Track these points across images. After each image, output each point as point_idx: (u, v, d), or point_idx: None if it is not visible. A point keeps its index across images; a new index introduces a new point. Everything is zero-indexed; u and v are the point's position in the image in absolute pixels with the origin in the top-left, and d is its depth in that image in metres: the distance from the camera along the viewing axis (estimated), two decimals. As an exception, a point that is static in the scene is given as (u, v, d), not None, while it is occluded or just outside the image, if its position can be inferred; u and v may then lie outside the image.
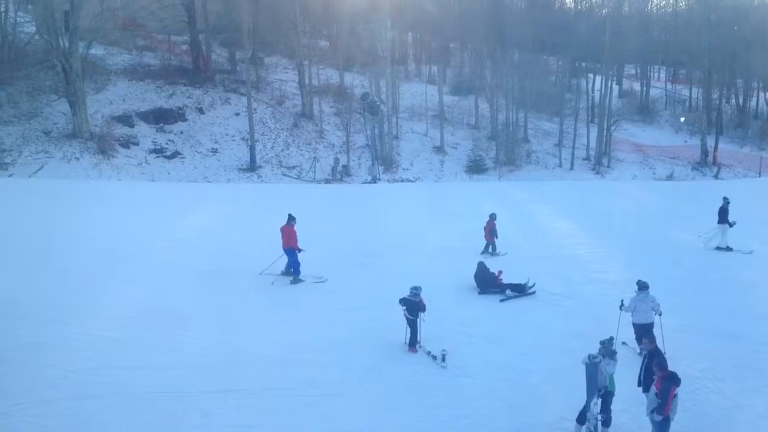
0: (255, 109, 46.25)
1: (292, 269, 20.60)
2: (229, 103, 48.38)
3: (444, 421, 12.94)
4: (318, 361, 15.24)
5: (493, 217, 24.44)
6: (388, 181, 43.84)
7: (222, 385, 14.00)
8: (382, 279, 20.77)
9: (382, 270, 21.95)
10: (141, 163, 40.94)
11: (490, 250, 24.43)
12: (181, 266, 21.96)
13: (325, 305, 18.77)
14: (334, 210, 32.46)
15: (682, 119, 58.72)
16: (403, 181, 44.28)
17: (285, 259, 20.74)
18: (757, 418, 13.08)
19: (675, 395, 11.37)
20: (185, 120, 45.98)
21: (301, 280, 20.43)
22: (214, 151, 44.14)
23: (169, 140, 43.88)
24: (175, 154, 42.84)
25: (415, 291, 15.99)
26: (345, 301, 19.12)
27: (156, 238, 25.49)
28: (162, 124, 44.71)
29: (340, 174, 43.69)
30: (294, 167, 44.28)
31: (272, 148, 45.67)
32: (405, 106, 54.49)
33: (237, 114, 47.28)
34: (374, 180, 43.09)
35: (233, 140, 45.22)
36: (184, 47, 53.85)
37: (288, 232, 20.40)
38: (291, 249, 20.39)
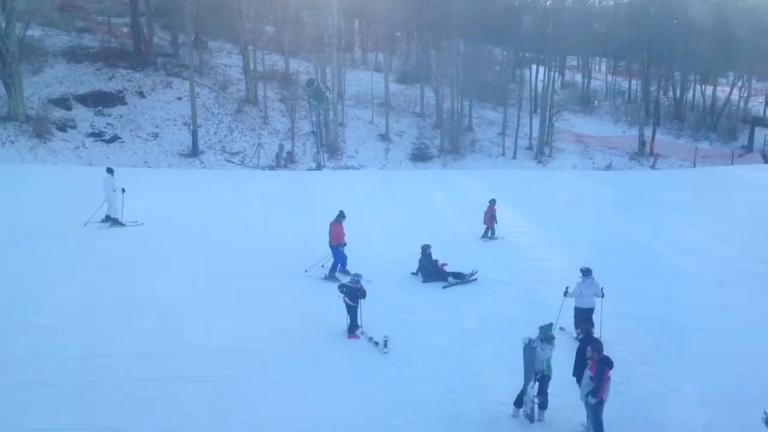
0: (198, 94, 45.55)
1: (339, 265, 20.10)
2: (171, 87, 47.54)
3: (385, 406, 13.07)
4: (259, 349, 15.22)
5: (492, 202, 25.05)
6: (333, 168, 43.73)
7: (160, 373, 13.89)
8: (327, 265, 20.78)
9: (327, 257, 21.94)
10: (78, 147, 40.01)
11: (489, 234, 25.09)
12: (119, 253, 21.60)
13: (267, 292, 18.70)
14: (278, 197, 32.29)
15: (596, 102, 60.03)
16: (348, 168, 44.23)
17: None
18: (688, 401, 13.55)
19: (608, 378, 11.72)
20: (125, 104, 44.98)
21: (336, 278, 19.45)
22: (155, 135, 43.38)
23: (108, 124, 42.94)
24: (114, 138, 41.96)
25: (356, 278, 16.11)
26: (286, 289, 19.10)
27: (93, 224, 24.98)
28: (101, 108, 43.66)
29: (285, 161, 43.42)
30: (237, 153, 43.81)
31: (215, 133, 45.10)
32: (351, 94, 54.36)
33: (179, 98, 46.50)
34: (319, 167, 42.96)
35: (175, 125, 44.50)
36: (125, 30, 52.62)
37: (336, 229, 20.10)
38: (337, 246, 20.04)
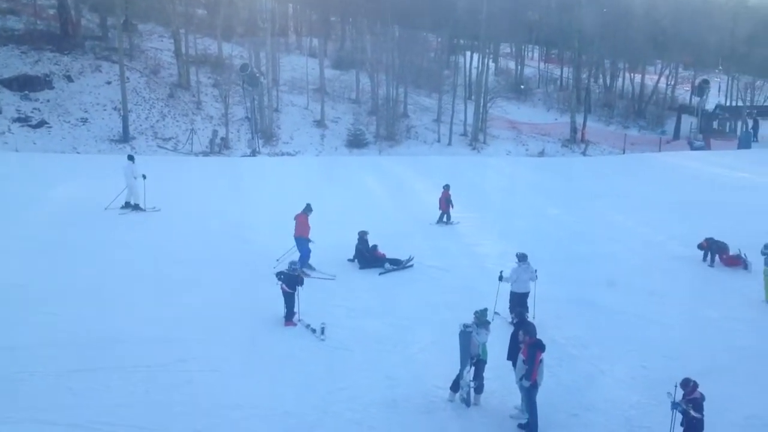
0: (128, 78, 44.47)
1: (301, 259, 19.46)
2: (100, 71, 46.27)
3: (322, 393, 13.08)
4: (194, 338, 15.04)
5: (446, 187, 25.55)
6: (268, 154, 43.32)
7: (92, 364, 13.62)
8: (261, 253, 20.63)
9: (260, 244, 21.79)
10: (4, 133, 38.70)
11: (444, 219, 25.53)
12: (50, 241, 21.06)
13: (202, 281, 18.50)
14: (212, 183, 31.86)
15: (521, 87, 61.00)
16: (283, 154, 43.87)
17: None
18: (617, 381, 13.94)
19: (541, 361, 11.96)
20: (52, 88, 43.65)
21: (306, 272, 18.77)
22: (84, 120, 42.22)
23: (35, 109, 41.62)
24: (42, 124, 40.70)
25: (293, 265, 16.05)
26: (222, 276, 18.91)
27: (19, 211, 24.27)
28: (27, 92, 42.26)
29: (219, 147, 42.83)
30: (170, 139, 43.01)
31: (147, 118, 44.15)
32: (285, 79, 53.87)
33: (108, 82, 45.31)
34: (254, 153, 42.51)
35: (105, 110, 43.39)
36: (51, 11, 50.97)
37: (302, 221, 19.74)
38: (302, 238, 19.63)
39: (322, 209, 26.82)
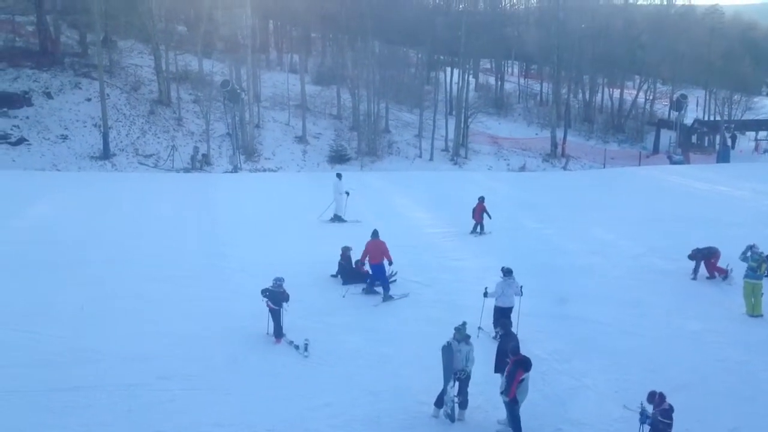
0: (108, 95, 44.32)
1: (372, 281, 19.45)
2: (80, 88, 46.10)
3: (304, 410, 12.98)
4: (176, 355, 14.91)
5: (481, 199, 26.36)
6: (250, 170, 43.26)
7: (72, 383, 13.46)
8: (243, 270, 20.54)
9: (243, 260, 21.69)
10: (-18, 151, 38.45)
11: (478, 229, 26.24)
12: (29, 260, 20.85)
13: (183, 298, 18.35)
14: (194, 200, 31.69)
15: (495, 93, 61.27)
16: (265, 170, 43.82)
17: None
18: (600, 395, 13.94)
19: (523, 380, 11.93)
20: (31, 105, 43.44)
21: (391, 297, 18.94)
22: (64, 137, 41.99)
23: (14, 126, 41.36)
24: (21, 141, 40.45)
25: (278, 282, 15.95)
26: (205, 293, 18.78)
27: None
28: (6, 109, 42.04)
29: (200, 163, 42.71)
30: (151, 156, 42.84)
31: (127, 135, 43.97)
32: (266, 95, 53.89)
33: (89, 99, 45.13)
34: (235, 169, 42.42)
35: (85, 127, 43.18)
36: (30, 28, 50.73)
37: (381, 246, 19.34)
38: (381, 264, 19.20)
39: (305, 224, 26.87)
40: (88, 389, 13.28)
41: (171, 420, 12.46)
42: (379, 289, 19.21)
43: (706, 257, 21.09)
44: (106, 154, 41.27)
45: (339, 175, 28.15)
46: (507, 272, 16.46)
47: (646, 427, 11.13)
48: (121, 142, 43.13)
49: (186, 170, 41.44)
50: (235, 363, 14.77)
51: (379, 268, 19.19)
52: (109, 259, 21.39)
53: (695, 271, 21.13)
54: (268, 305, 15.83)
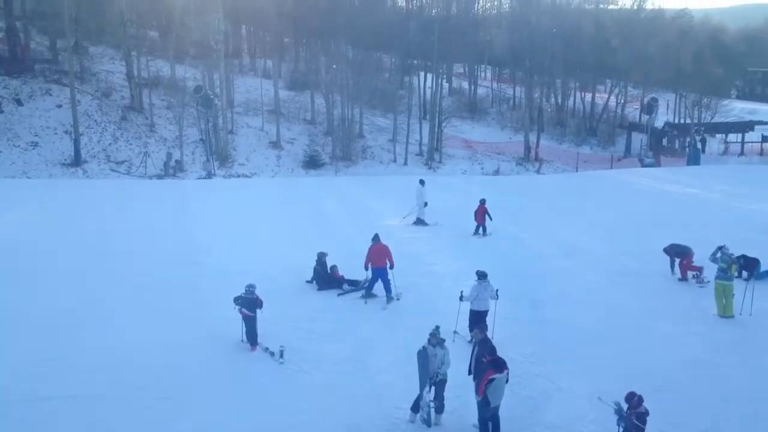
0: (79, 101, 43.87)
1: (373, 285, 19.47)
2: (51, 95, 45.58)
3: (281, 417, 12.93)
4: (149, 364, 14.75)
5: (482, 201, 27.02)
6: (224, 176, 43.03)
7: (44, 393, 13.29)
8: (217, 276, 20.40)
9: (217, 267, 21.55)
10: (-49, 158, 37.88)
11: (480, 231, 26.81)
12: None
13: (157, 306, 18.20)
14: (167, 206, 31.43)
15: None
16: (239, 176, 43.63)
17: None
18: (575, 398, 14.02)
19: (492, 379, 11.92)
20: (1, 112, 42.88)
21: (393, 299, 19.21)
22: (35, 145, 41.50)
23: (-17, 133, 40.82)
24: (-10, 148, 39.93)
25: (250, 288, 15.85)
26: (179, 301, 18.62)
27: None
28: (-25, 116, 41.51)
29: (173, 169, 42.40)
30: (123, 162, 42.47)
31: (99, 142, 43.55)
32: (240, 101, 53.69)
33: (59, 106, 44.63)
34: (209, 175, 42.16)
35: (55, 133, 42.70)
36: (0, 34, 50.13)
37: (385, 250, 19.38)
38: (384, 268, 19.19)
39: (279, 230, 26.77)
40: (59, 400, 13.12)
41: (143, 430, 12.33)
42: (381, 293, 19.24)
43: (679, 255, 21.32)
44: (77, 161, 40.84)
45: (422, 182, 29.37)
46: (482, 276, 16.51)
47: (621, 427, 11.21)
48: (93, 148, 42.71)
49: (159, 177, 41.11)
50: (210, 371, 14.66)
51: (382, 272, 19.16)
52: (80, 267, 21.18)
53: (672, 266, 21.39)
54: (242, 312, 15.74)
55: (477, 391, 12.01)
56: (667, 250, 21.63)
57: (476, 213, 27.00)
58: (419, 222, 28.68)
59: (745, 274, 20.48)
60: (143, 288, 19.48)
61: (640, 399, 11.24)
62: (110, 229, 25.31)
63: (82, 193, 34.29)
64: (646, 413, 11.13)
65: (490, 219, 27.05)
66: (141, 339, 15.98)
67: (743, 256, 20.57)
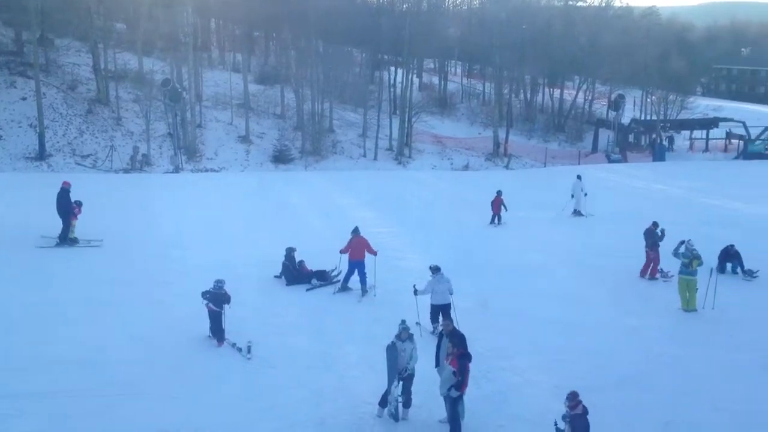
0: (44, 94, 43.20)
1: (361, 281, 19.54)
2: (15, 87, 44.83)
3: (249, 412, 12.88)
4: (117, 360, 14.62)
5: (499, 193, 28.47)
6: (192, 170, 42.71)
7: (9, 390, 13.10)
8: (186, 272, 20.26)
9: (185, 263, 21.39)
10: None
11: (496, 221, 28.40)
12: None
13: (126, 301, 18.05)
14: (134, 201, 31.11)
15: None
16: (207, 170, 43.32)
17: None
18: (543, 391, 14.14)
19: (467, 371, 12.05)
20: (-36, 104, 42.17)
21: (367, 292, 19.44)
22: (-2, 138, 40.85)
23: (-54, 126, 40.07)
24: (-48, 142, 39.22)
25: (219, 283, 15.77)
26: (146, 296, 18.47)
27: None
28: (-64, 109, 40.72)
29: (140, 163, 41.97)
30: (89, 156, 41.93)
31: (64, 135, 42.94)
32: (209, 94, 53.27)
33: (24, 98, 43.91)
34: (177, 170, 41.81)
35: (20, 127, 42.03)
36: (-37, 26, 49.22)
37: (364, 243, 19.48)
38: (362, 261, 19.31)
39: (248, 225, 26.65)
40: (24, 396, 12.95)
41: (110, 427, 12.24)
42: (356, 286, 19.39)
43: (648, 245, 21.45)
44: (41, 155, 40.27)
45: (579, 177, 31.02)
46: (435, 269, 16.60)
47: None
48: (58, 142, 42.12)
49: (125, 171, 40.69)
50: (177, 367, 14.55)
51: (359, 265, 19.32)
52: (47, 263, 20.89)
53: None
54: (208, 307, 15.66)
55: (459, 387, 12.01)
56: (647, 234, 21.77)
57: (493, 203, 28.36)
58: (577, 213, 30.27)
59: (729, 266, 21.63)
60: (110, 283, 19.29)
61: (574, 395, 10.90)
62: (77, 224, 24.96)
63: (46, 188, 33.71)
64: (585, 412, 10.98)
65: (506, 209, 28.17)
66: (108, 335, 15.83)
67: (727, 248, 21.73)
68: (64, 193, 22.86)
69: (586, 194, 30.30)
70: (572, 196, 30.40)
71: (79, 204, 23.24)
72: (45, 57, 47.73)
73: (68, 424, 12.23)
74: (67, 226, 22.69)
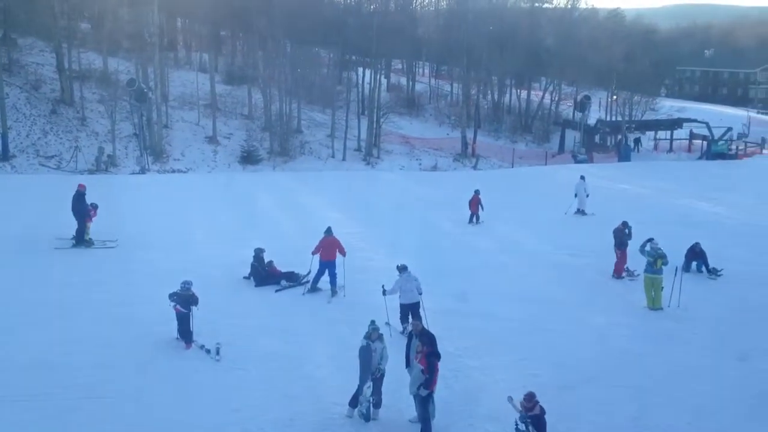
0: (7, 94, 42.55)
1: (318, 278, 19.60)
2: (-23, 87, 44.08)
3: (217, 415, 12.80)
4: (80, 362, 14.43)
5: (477, 192, 28.86)
6: (158, 171, 42.31)
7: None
8: (151, 273, 20.07)
9: (152, 264, 21.19)
10: None
11: (474, 220, 28.65)
12: None
13: (90, 302, 17.81)
14: (99, 202, 30.59)
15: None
16: (174, 171, 42.96)
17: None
18: (511, 390, 14.14)
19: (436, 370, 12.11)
20: (-76, 104, 41.27)
21: (337, 292, 19.45)
22: (-41, 139, 40.10)
23: None
24: None
25: (186, 285, 15.65)
26: (113, 298, 18.24)
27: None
28: None
29: (105, 164, 41.48)
30: (53, 157, 41.37)
31: (28, 136, 42.32)
32: (175, 95, 52.81)
33: (-14, 98, 43.19)
34: (143, 170, 41.39)
35: (-18, 127, 41.31)
36: (-77, 24, 48.25)
37: (336, 243, 19.52)
38: (333, 261, 19.33)
39: (216, 226, 26.47)
40: (-15, 401, 12.75)
41: (76, 430, 12.07)
42: (326, 287, 19.41)
43: (619, 245, 21.66)
44: (5, 156, 39.64)
45: (582, 177, 31.59)
46: (402, 268, 16.69)
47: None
48: (21, 143, 41.49)
49: (90, 172, 40.15)
50: (144, 369, 14.41)
51: (330, 265, 19.34)
52: (11, 265, 20.56)
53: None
54: (176, 309, 15.52)
55: (429, 385, 12.05)
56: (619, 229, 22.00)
57: (470, 202, 28.64)
58: (580, 212, 30.69)
59: (694, 265, 21.90)
60: (75, 286, 19.05)
61: (531, 396, 11.11)
62: (40, 226, 24.62)
63: (9, 189, 33.26)
64: (543, 412, 11.11)
65: (482, 209, 28.40)
66: (72, 337, 15.63)
67: (693, 247, 22.00)
68: (79, 195, 23.15)
69: (588, 195, 30.84)
70: (575, 195, 30.82)
71: (95, 206, 23.61)
72: (8, 56, 47.06)
73: (28, 429, 12.05)
74: (83, 228, 22.94)
